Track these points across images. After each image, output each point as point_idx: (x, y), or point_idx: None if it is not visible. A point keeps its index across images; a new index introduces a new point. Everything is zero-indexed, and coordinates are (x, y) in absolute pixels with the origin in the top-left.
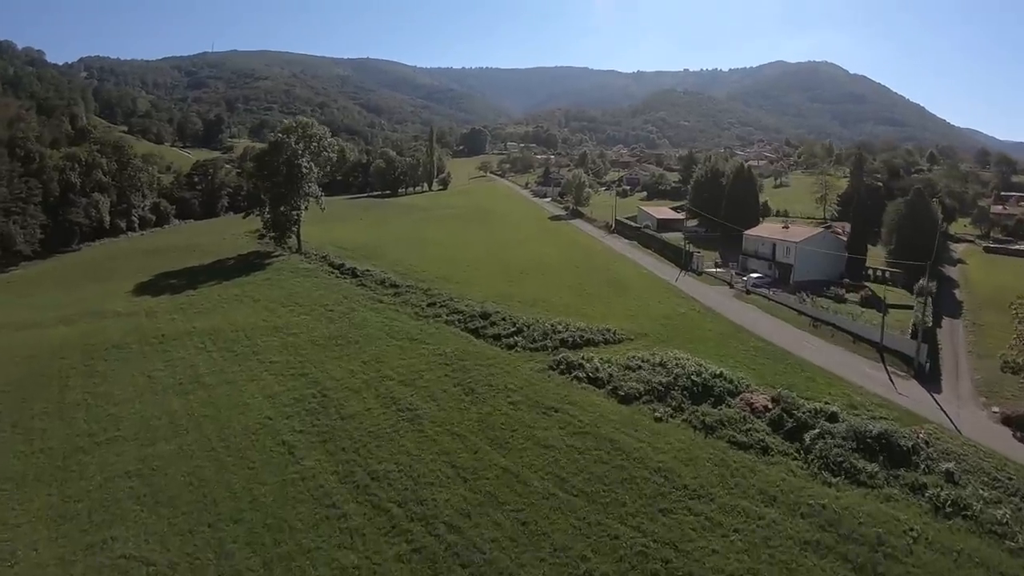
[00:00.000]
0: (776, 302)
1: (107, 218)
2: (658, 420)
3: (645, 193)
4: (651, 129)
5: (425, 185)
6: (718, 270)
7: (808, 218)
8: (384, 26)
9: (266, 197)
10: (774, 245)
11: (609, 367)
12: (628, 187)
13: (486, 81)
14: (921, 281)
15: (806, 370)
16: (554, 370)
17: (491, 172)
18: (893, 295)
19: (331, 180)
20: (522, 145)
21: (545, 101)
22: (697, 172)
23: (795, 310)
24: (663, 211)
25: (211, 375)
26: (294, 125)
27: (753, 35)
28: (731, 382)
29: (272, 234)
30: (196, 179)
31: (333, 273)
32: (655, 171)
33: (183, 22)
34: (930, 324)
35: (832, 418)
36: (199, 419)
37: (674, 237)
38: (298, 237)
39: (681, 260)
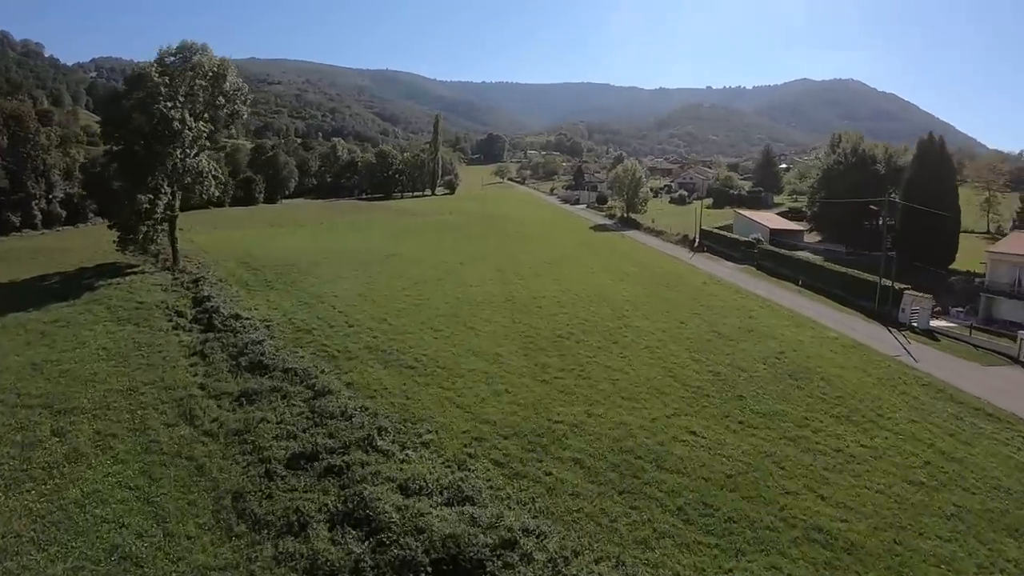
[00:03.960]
0: None
1: None
2: None
3: (711, 200)
4: (678, 143)
5: (429, 191)
6: (948, 324)
7: (967, 232)
8: (405, 39)
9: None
10: None
11: None
12: (685, 192)
13: (506, 95)
14: None
15: None
16: None
17: (509, 179)
18: None
19: (320, 182)
20: (544, 153)
21: (567, 116)
22: (826, 159)
23: None
24: (773, 218)
25: None
26: (171, 50)
27: (776, 53)
28: None
29: (119, 236)
30: None
31: (182, 317)
32: (719, 173)
33: (201, 29)
34: None
35: None
36: None
37: (809, 259)
38: (172, 243)
39: (869, 301)
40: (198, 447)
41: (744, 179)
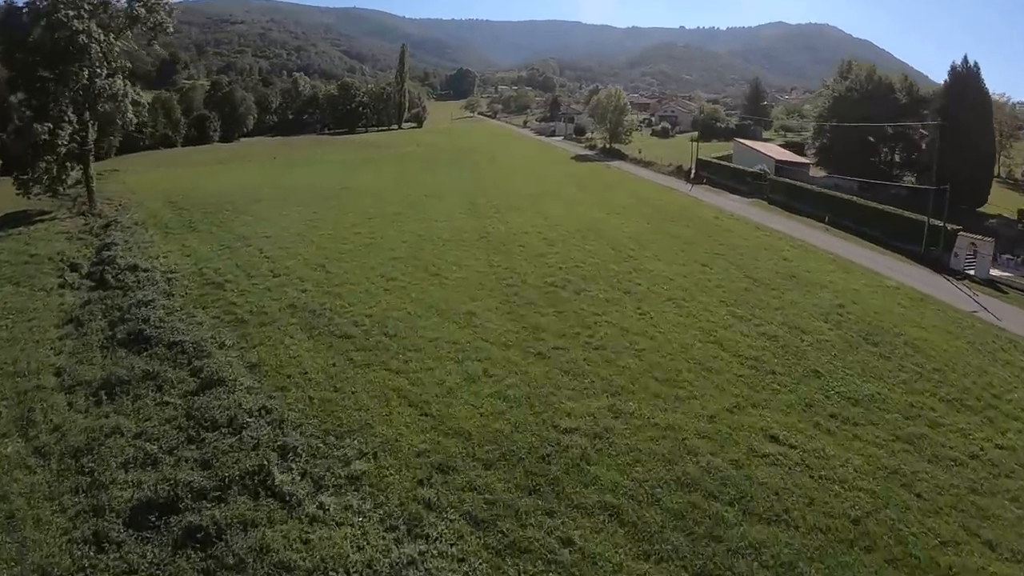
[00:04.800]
0: None
1: None
2: None
3: (696, 133)
4: (651, 81)
5: (395, 125)
6: (1003, 273)
7: None
8: None
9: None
10: None
11: None
12: (668, 125)
13: (476, 33)
14: None
15: None
16: None
17: (480, 113)
18: None
19: (281, 119)
20: (516, 88)
21: (538, 54)
22: (836, 85)
23: None
24: (776, 149)
25: None
26: None
27: None
28: None
29: (14, 176)
30: None
31: (76, 271)
32: (703, 107)
33: None
34: None
35: None
36: None
37: (836, 194)
38: (88, 183)
39: (907, 242)
40: (21, 478)
41: (728, 114)
